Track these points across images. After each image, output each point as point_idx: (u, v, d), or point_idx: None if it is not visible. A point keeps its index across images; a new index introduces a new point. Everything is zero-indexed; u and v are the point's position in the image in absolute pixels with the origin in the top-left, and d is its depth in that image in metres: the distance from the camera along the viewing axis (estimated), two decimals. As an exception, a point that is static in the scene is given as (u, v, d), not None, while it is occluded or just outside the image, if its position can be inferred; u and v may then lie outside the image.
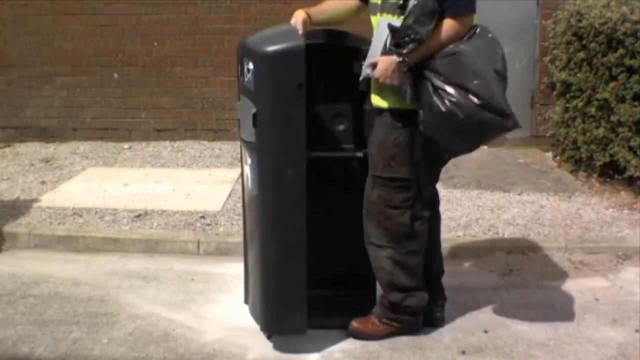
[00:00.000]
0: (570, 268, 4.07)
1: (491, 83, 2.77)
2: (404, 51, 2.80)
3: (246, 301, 3.41)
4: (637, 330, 3.34)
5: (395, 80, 2.85)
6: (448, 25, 2.85)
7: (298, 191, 2.90)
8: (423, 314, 3.26)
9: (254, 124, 2.87)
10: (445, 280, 3.47)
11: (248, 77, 2.91)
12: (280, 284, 3.00)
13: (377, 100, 3.01)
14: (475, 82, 2.75)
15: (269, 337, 3.19)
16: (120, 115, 6.81)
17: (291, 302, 3.02)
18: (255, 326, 3.28)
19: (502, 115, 2.77)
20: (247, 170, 3.05)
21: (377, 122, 3.03)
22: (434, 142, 2.93)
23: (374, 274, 3.19)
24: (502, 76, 2.82)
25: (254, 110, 2.86)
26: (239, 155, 5.87)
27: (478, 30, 2.89)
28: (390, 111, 2.98)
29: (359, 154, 3.20)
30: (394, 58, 2.82)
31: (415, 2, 2.76)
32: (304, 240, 2.95)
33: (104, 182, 5.45)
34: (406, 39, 2.79)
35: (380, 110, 3.01)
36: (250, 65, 2.88)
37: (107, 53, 6.72)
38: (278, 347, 3.15)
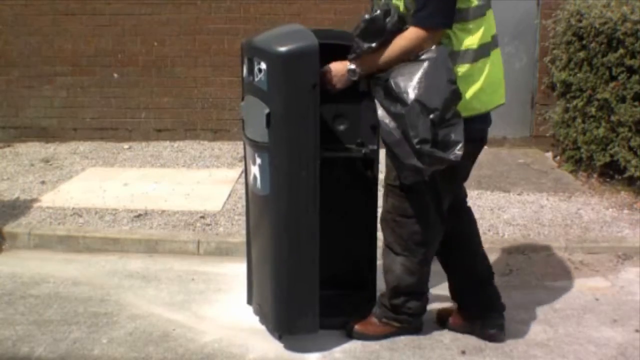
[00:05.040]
0: (570, 268, 4.07)
1: (410, 113, 2.67)
2: (349, 57, 2.85)
3: (249, 302, 3.40)
4: (637, 330, 3.34)
5: (338, 86, 2.90)
6: (406, 34, 2.73)
7: (311, 191, 2.90)
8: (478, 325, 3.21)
9: (267, 125, 2.86)
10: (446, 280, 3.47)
11: (259, 77, 2.89)
12: (293, 284, 3.00)
13: None
14: (396, 108, 2.73)
15: (279, 338, 3.18)
16: (120, 115, 6.81)
17: (303, 302, 3.02)
18: (255, 326, 3.28)
19: (414, 149, 2.67)
20: (255, 170, 3.03)
21: None
22: None
23: (383, 274, 3.16)
24: (426, 108, 2.65)
25: (267, 110, 2.85)
26: (240, 155, 5.85)
27: (425, 54, 2.73)
28: None
29: (359, 154, 3.20)
30: (345, 66, 2.87)
31: (366, 17, 2.77)
32: (316, 240, 2.96)
33: (104, 182, 5.45)
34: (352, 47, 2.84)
35: None
36: (263, 65, 2.86)
37: (107, 53, 6.73)
38: (279, 347, 3.15)
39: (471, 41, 2.77)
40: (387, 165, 3.03)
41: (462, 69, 2.77)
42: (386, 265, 3.14)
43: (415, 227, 3.00)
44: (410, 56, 2.73)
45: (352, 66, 2.85)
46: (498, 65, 2.91)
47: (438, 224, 3.05)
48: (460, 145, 2.69)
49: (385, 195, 3.07)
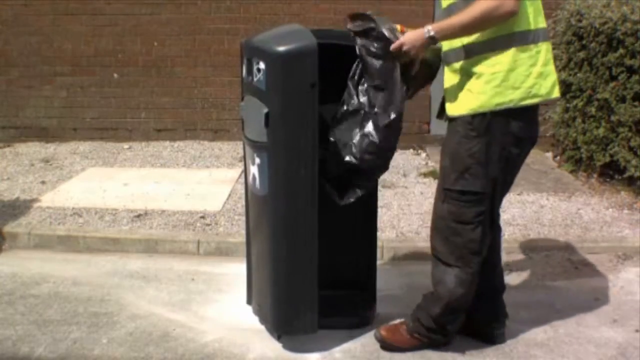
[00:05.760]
0: (570, 268, 4.07)
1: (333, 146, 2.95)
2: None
3: (249, 301, 3.41)
4: (637, 330, 3.34)
5: (419, 53, 2.79)
6: (476, 2, 2.63)
7: (310, 190, 2.90)
8: (481, 332, 3.18)
9: (266, 124, 2.86)
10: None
11: (258, 77, 2.89)
12: (291, 284, 3.00)
13: (450, 108, 2.85)
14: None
15: (278, 338, 3.18)
16: (120, 115, 6.82)
17: (302, 301, 3.01)
18: (255, 326, 3.28)
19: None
20: (254, 170, 3.03)
21: (449, 131, 2.87)
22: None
23: (433, 287, 3.00)
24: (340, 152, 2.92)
25: (265, 110, 2.86)
26: (240, 155, 5.85)
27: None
28: (463, 119, 2.78)
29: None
30: (422, 34, 2.75)
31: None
32: (315, 239, 2.95)
33: (104, 182, 5.45)
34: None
35: (452, 118, 2.85)
36: (262, 65, 2.86)
37: (107, 53, 6.73)
38: (279, 347, 3.15)
39: (526, 23, 2.73)
40: (444, 168, 2.91)
41: (520, 51, 2.72)
42: (437, 278, 2.98)
43: (472, 234, 2.86)
44: (490, 24, 2.66)
45: (431, 32, 2.72)
46: (550, 57, 2.85)
47: (489, 231, 2.95)
48: (357, 195, 2.96)
49: (440, 200, 2.92)
